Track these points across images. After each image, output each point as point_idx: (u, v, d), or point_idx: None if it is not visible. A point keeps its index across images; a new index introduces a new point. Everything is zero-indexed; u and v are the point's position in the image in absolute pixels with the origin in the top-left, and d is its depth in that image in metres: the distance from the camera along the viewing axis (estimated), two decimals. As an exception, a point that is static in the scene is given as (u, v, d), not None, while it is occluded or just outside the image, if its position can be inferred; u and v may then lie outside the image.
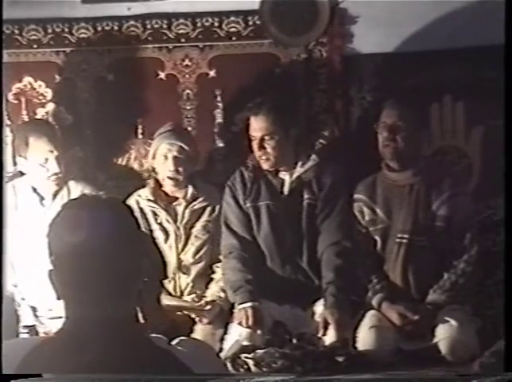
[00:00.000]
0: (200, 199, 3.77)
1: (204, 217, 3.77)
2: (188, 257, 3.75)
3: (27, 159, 3.66)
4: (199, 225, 3.77)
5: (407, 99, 3.66)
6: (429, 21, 3.85)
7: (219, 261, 3.76)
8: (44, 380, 1.62)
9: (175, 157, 3.69)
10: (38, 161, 3.64)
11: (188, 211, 3.76)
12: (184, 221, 3.76)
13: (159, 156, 3.73)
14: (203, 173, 3.99)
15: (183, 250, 3.75)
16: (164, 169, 3.72)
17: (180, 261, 3.74)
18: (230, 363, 3.21)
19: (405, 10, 3.82)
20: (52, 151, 3.63)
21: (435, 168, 3.71)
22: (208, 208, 3.78)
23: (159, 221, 3.75)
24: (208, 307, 3.65)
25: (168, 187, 3.77)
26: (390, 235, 3.59)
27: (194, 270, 3.76)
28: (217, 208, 3.77)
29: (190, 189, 3.76)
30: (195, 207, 3.77)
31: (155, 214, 3.76)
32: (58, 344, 1.62)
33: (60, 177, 3.68)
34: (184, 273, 3.74)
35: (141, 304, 1.71)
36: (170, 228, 3.74)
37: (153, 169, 3.82)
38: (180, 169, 3.70)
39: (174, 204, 3.78)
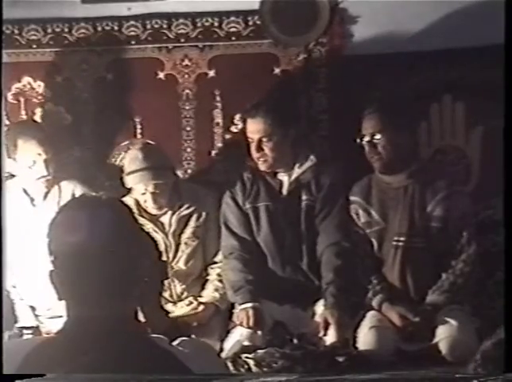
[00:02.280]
0: (186, 205, 3.72)
1: (192, 223, 3.72)
2: (180, 265, 3.71)
3: (16, 161, 3.63)
4: (187, 232, 3.72)
5: (380, 107, 3.58)
6: (429, 21, 3.85)
7: (212, 263, 3.74)
8: (47, 379, 1.62)
9: (153, 193, 3.61)
10: (26, 163, 3.59)
11: (174, 218, 3.70)
12: (172, 229, 3.71)
13: (136, 192, 3.65)
14: (198, 173, 3.99)
15: (174, 258, 3.71)
16: (144, 200, 3.64)
17: (172, 270, 3.68)
18: (230, 363, 3.21)
19: (405, 10, 3.82)
20: (40, 154, 3.58)
21: (429, 169, 3.69)
22: (195, 214, 3.72)
23: (146, 232, 3.67)
24: (203, 307, 3.64)
25: (151, 210, 3.69)
26: (387, 237, 3.57)
27: (188, 277, 3.73)
28: (203, 212, 3.71)
29: (176, 201, 3.70)
30: (182, 214, 3.71)
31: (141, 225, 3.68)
32: (59, 344, 1.62)
33: (48, 179, 3.65)
34: (179, 281, 3.71)
35: (141, 304, 1.71)
36: (158, 237, 3.65)
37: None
38: (162, 200, 3.64)
39: (160, 213, 3.71)
